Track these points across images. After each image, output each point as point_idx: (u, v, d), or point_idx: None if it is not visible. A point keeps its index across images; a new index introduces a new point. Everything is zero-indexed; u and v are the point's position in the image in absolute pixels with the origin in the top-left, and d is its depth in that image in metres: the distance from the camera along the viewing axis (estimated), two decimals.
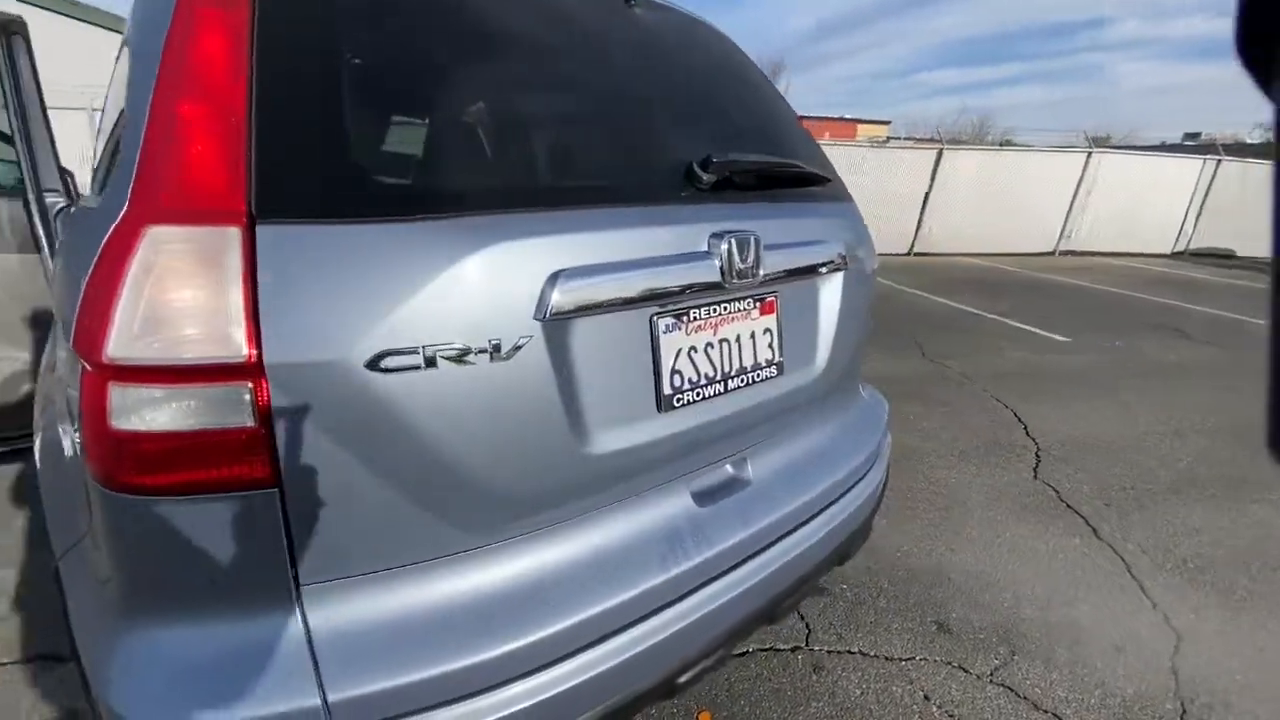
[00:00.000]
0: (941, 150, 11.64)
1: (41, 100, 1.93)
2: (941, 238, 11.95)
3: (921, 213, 11.79)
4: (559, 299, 0.93)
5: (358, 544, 0.90)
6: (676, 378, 1.14)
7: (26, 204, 1.87)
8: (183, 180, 0.80)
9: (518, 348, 0.92)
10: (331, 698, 0.84)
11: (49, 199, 1.93)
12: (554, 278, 0.94)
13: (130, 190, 0.79)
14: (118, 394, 0.76)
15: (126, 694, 0.82)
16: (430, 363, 0.85)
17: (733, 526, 1.23)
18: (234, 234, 0.78)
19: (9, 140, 2.53)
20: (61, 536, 1.04)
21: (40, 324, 1.98)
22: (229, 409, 0.78)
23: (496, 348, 0.89)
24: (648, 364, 1.10)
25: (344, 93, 0.91)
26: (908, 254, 11.90)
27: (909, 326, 6.16)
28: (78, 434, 0.86)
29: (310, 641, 0.87)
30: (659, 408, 1.12)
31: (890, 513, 2.67)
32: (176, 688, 0.82)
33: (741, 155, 1.21)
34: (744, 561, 1.24)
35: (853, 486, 1.54)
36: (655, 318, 1.10)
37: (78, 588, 0.96)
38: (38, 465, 1.29)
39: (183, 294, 0.76)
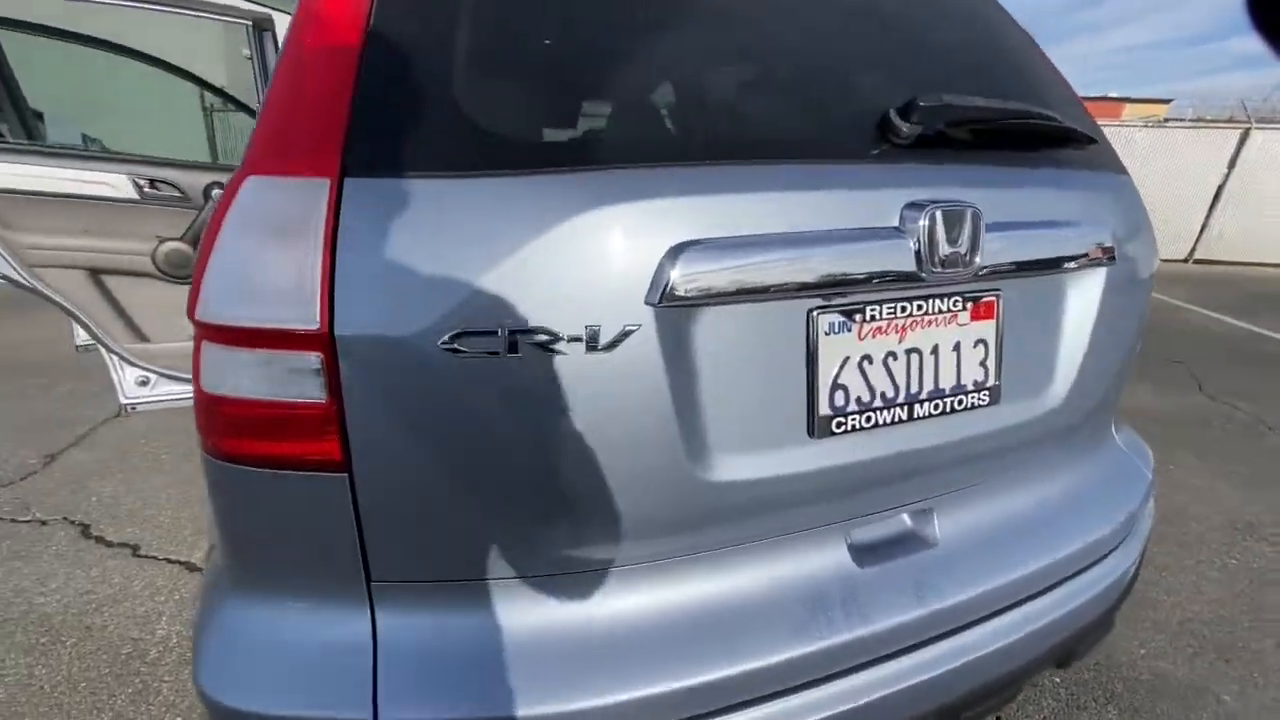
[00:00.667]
0: (1247, 130, 9.13)
1: None
2: (1234, 241, 9.44)
3: (1210, 210, 9.40)
4: (680, 280, 0.72)
5: (432, 544, 0.79)
6: (839, 395, 0.86)
7: None
8: (279, 131, 0.74)
9: (622, 339, 0.72)
10: (384, 716, 0.75)
11: None
12: (676, 252, 0.72)
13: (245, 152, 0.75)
14: (206, 354, 0.72)
15: (200, 658, 0.80)
16: (511, 348, 0.69)
17: (902, 598, 0.92)
18: (320, 187, 0.69)
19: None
20: None
21: None
22: (296, 381, 0.70)
23: (594, 337, 0.71)
24: (800, 373, 0.84)
25: (453, 32, 0.78)
26: (1185, 260, 9.59)
27: (1183, 352, 4.86)
28: None
29: (375, 645, 0.78)
30: (812, 432, 0.86)
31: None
32: (240, 666, 0.79)
33: (960, 99, 0.88)
34: (913, 648, 0.93)
35: (1091, 565, 1.11)
36: (816, 313, 0.83)
37: None
38: None
39: (262, 252, 0.70)
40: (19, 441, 2.91)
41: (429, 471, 0.74)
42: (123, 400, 2.21)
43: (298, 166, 0.70)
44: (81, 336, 2.40)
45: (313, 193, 0.69)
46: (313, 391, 0.69)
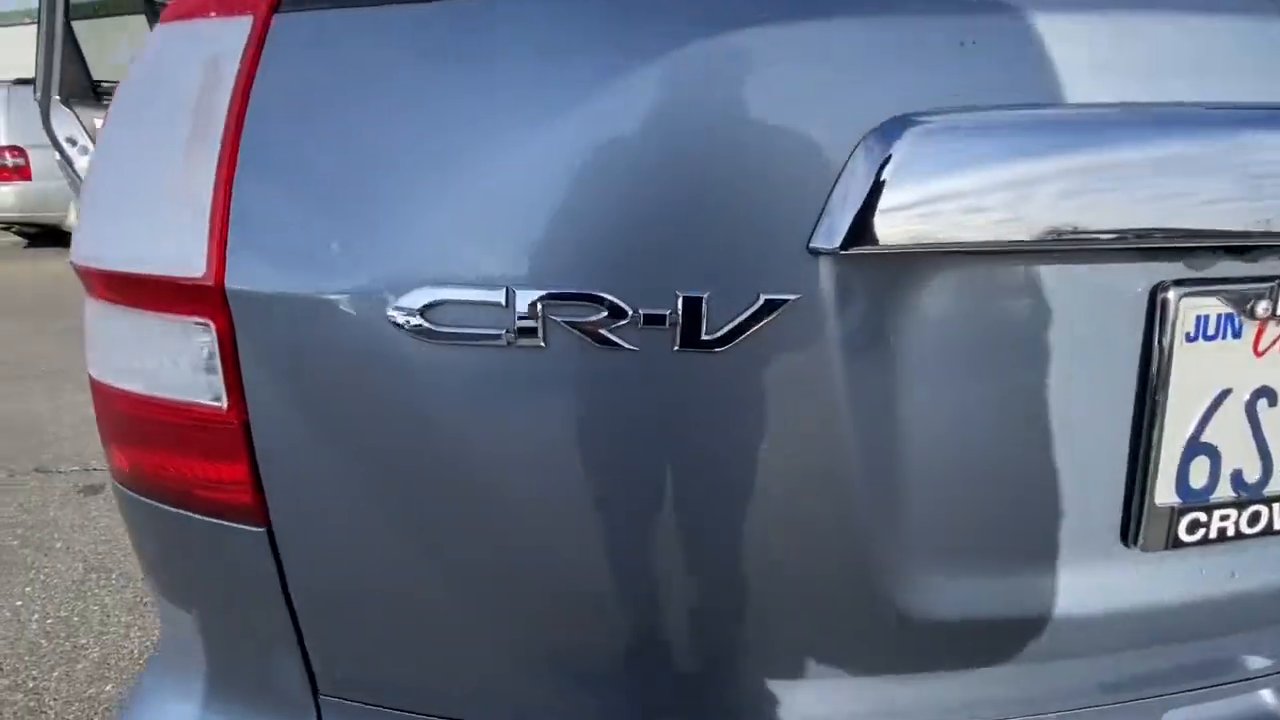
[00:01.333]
0: None
1: None
2: None
3: None
4: (898, 204, 0.34)
5: (407, 648, 0.48)
6: (1201, 465, 0.43)
7: None
8: None
9: (753, 325, 0.36)
10: None
11: None
12: (887, 137, 0.35)
13: None
14: (87, 313, 0.47)
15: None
16: (526, 330, 0.36)
17: None
18: (235, 30, 0.40)
19: None
20: None
21: None
22: (172, 363, 0.42)
23: (695, 318, 0.36)
24: (1120, 416, 0.42)
25: None
26: None
27: None
28: None
29: None
30: (1133, 536, 0.43)
31: None
32: None
33: None
34: None
35: None
36: (1173, 295, 0.40)
37: None
38: None
39: (143, 149, 0.43)
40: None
41: (388, 532, 0.43)
42: None
43: (206, 3, 0.41)
44: None
45: (222, 40, 0.40)
46: (197, 384, 0.41)
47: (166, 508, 0.46)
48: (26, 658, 1.56)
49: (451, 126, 0.37)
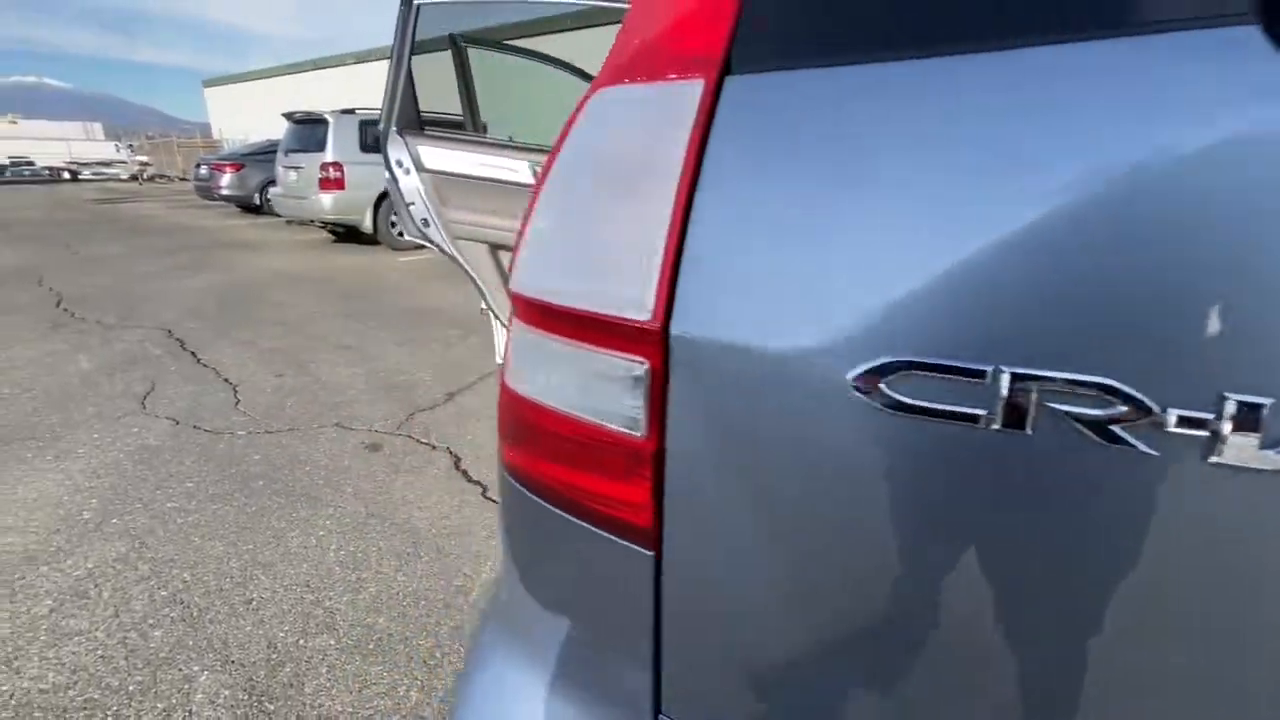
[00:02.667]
0: None
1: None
2: None
3: None
4: None
5: (753, 681, 0.49)
6: None
7: None
8: (635, 27, 0.51)
9: None
10: None
11: None
12: None
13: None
14: (513, 336, 0.55)
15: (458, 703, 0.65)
16: (1011, 416, 0.34)
17: None
18: (687, 93, 0.45)
19: None
20: None
21: None
22: (604, 393, 0.47)
23: (1246, 428, 0.30)
24: None
25: None
26: None
27: None
28: None
29: None
30: None
31: None
32: None
33: None
34: None
35: None
36: None
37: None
38: None
39: (593, 197, 0.49)
40: (436, 378, 3.66)
41: (776, 581, 0.44)
42: (498, 360, 2.52)
43: (658, 65, 0.46)
44: (484, 303, 2.85)
45: (675, 101, 0.44)
46: (625, 414, 0.45)
47: (559, 512, 0.52)
48: (325, 580, 1.92)
49: (921, 188, 0.36)
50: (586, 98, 0.51)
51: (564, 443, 0.51)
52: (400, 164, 2.16)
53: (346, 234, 8.78)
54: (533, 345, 0.53)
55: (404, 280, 6.44)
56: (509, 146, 2.22)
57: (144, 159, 27.92)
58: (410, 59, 2.12)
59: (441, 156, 2.15)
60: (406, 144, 2.15)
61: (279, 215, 9.34)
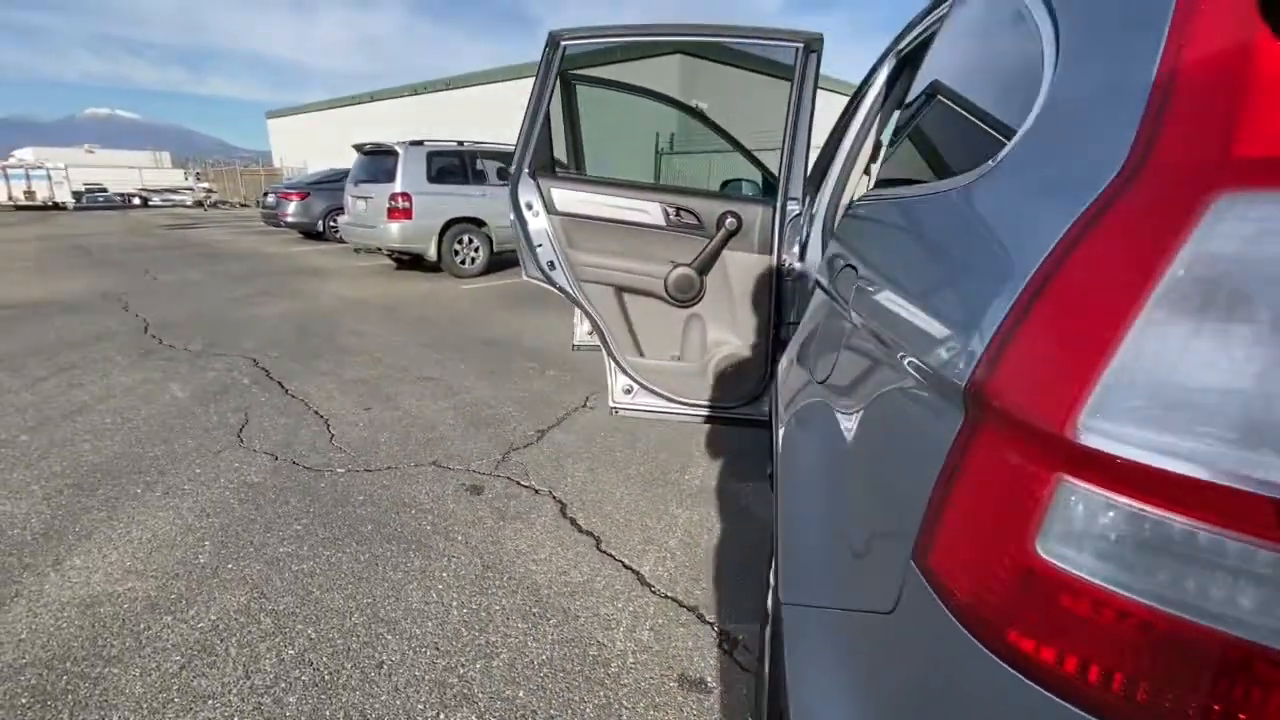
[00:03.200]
0: None
1: (810, 117, 2.06)
2: None
3: None
4: None
5: None
6: None
7: (773, 209, 2.08)
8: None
9: None
10: None
11: (790, 206, 2.11)
12: None
13: (1128, 153, 0.43)
14: (1068, 498, 0.41)
15: None
16: None
17: None
18: None
19: (751, 158, 2.97)
20: (798, 577, 0.86)
21: (759, 313, 2.21)
22: (1197, 585, 0.34)
23: None
24: None
25: None
26: None
27: None
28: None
29: None
30: None
31: None
32: None
33: None
34: None
35: None
36: None
37: (808, 655, 0.73)
38: (778, 460, 1.23)
39: (1213, 337, 0.36)
40: (523, 413, 3.58)
41: None
42: (611, 403, 2.43)
43: None
44: (580, 337, 2.76)
45: None
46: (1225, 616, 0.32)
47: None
48: (453, 642, 1.81)
49: None
50: (1203, 194, 0.38)
51: (1166, 655, 0.37)
52: (530, 206, 2.11)
53: (409, 261, 8.93)
54: (1125, 522, 0.38)
55: (472, 308, 6.47)
56: (640, 187, 2.15)
57: (208, 186, 29.35)
58: (550, 100, 2.07)
59: (572, 198, 2.09)
60: (539, 186, 2.11)
61: (344, 242, 9.58)
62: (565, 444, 3.18)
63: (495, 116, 17.25)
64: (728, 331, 2.21)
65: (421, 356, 4.68)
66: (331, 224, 11.49)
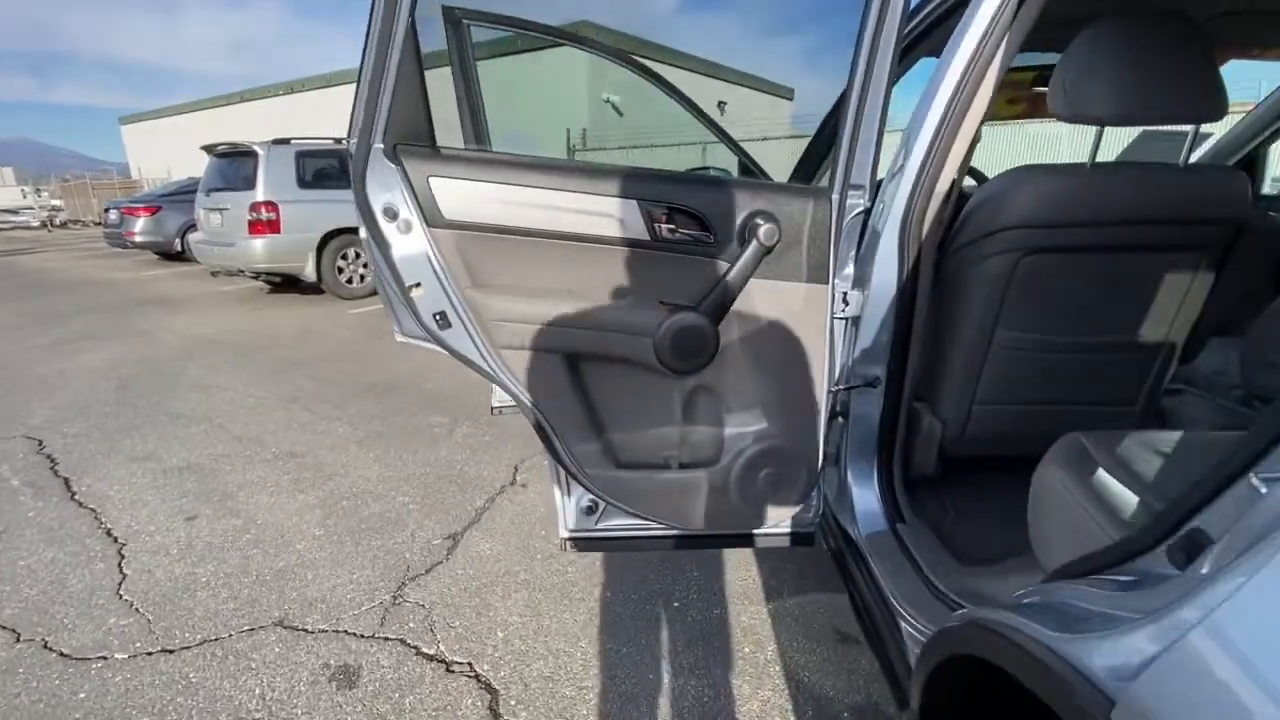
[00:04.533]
0: None
1: (895, 45, 1.20)
2: None
3: None
4: None
5: None
6: None
7: (829, 204, 1.22)
8: None
9: None
10: None
11: (852, 201, 1.26)
12: None
13: None
14: None
15: None
16: None
17: None
18: None
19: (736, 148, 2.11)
20: None
21: (808, 378, 1.34)
22: None
23: None
24: None
25: None
26: None
27: None
28: None
29: None
30: None
31: None
32: None
33: None
34: None
35: None
36: None
37: None
38: None
39: None
40: (425, 504, 2.57)
41: None
42: (564, 533, 1.50)
43: None
44: (500, 398, 1.81)
45: None
46: None
47: None
48: None
49: None
50: None
51: None
52: (392, 214, 1.13)
53: (285, 283, 7.51)
54: None
55: (359, 340, 5.28)
56: (602, 173, 1.20)
57: (55, 204, 25.43)
58: (413, 21, 1.08)
59: (473, 195, 1.13)
60: (407, 176, 1.11)
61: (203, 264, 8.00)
62: (489, 559, 2.21)
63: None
64: (756, 411, 1.34)
65: (285, 419, 3.53)
66: (189, 244, 9.74)
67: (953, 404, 1.52)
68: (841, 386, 1.42)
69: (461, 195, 1.14)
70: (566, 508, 1.48)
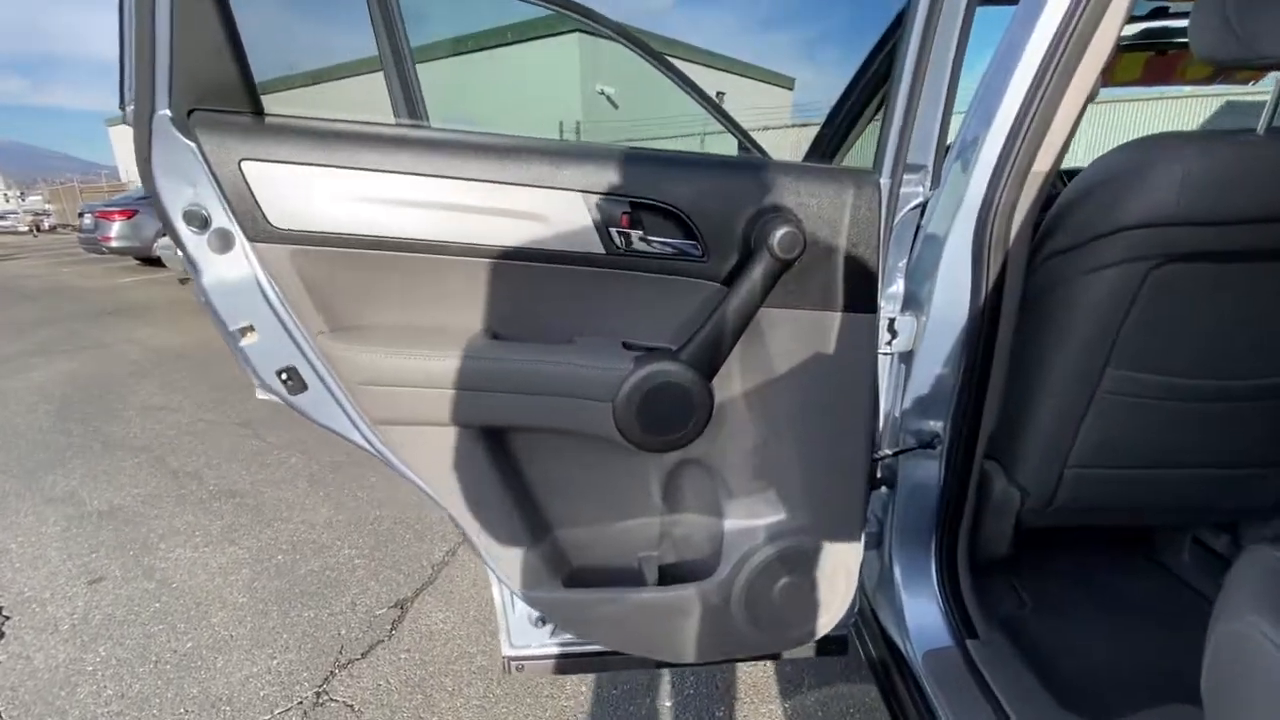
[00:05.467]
0: None
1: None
2: None
3: None
4: None
5: None
6: None
7: (877, 190, 0.81)
8: None
9: None
10: None
11: (907, 189, 0.86)
12: None
13: None
14: None
15: None
16: None
17: None
18: None
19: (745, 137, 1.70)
20: None
21: (845, 448, 0.92)
22: None
23: None
24: None
25: None
26: None
27: None
28: None
29: None
30: None
31: None
32: None
33: None
34: None
35: None
36: None
37: None
38: None
39: None
40: (372, 558, 2.17)
41: None
42: (507, 651, 1.10)
43: None
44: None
45: None
46: None
47: None
48: None
49: None
50: None
51: None
52: (199, 220, 0.71)
53: None
54: None
55: None
56: (530, 151, 0.75)
57: (46, 207, 25.03)
58: None
59: (319, 192, 0.71)
60: (206, 158, 0.69)
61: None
62: (441, 636, 1.82)
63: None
64: (770, 496, 0.92)
65: (234, 447, 3.14)
66: (158, 248, 9.34)
67: (1036, 467, 1.12)
68: (889, 454, 1.02)
69: (301, 190, 0.73)
70: (509, 618, 1.08)
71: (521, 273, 0.81)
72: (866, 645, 1.21)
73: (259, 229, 0.73)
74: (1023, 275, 0.93)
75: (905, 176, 0.85)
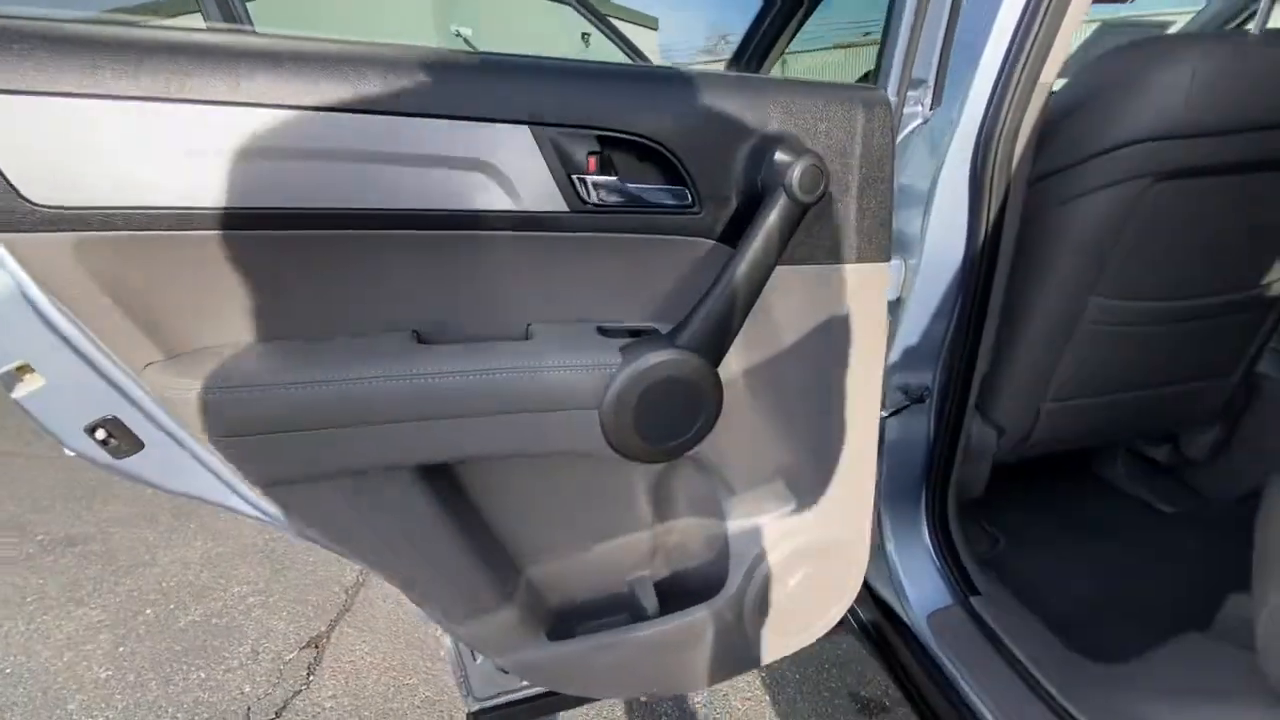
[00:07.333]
0: None
1: None
2: None
3: None
4: None
5: None
6: None
7: (886, 112, 0.66)
8: None
9: None
10: None
11: (910, 108, 0.72)
12: None
13: None
14: None
15: None
16: None
17: None
18: None
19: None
20: None
21: (859, 426, 0.78)
22: None
23: None
24: None
25: None
26: None
27: None
28: None
29: None
30: None
31: None
32: None
33: None
34: None
35: None
36: None
37: None
38: None
39: None
40: (274, 594, 1.85)
41: None
42: (473, 707, 0.90)
43: None
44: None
45: None
46: None
47: None
48: None
49: None
50: None
51: None
52: None
53: None
54: None
55: None
56: (443, 68, 0.50)
57: None
58: None
59: (113, 127, 0.44)
60: None
61: None
62: (370, 670, 1.58)
63: None
64: (778, 487, 0.77)
65: (62, 481, 2.58)
66: None
67: (1014, 405, 1.07)
68: (886, 413, 0.91)
69: (75, 138, 0.46)
70: (467, 668, 0.89)
71: (449, 246, 0.58)
72: (855, 611, 1.15)
73: (9, 212, 0.45)
74: (1021, 206, 0.83)
75: (909, 95, 0.71)
